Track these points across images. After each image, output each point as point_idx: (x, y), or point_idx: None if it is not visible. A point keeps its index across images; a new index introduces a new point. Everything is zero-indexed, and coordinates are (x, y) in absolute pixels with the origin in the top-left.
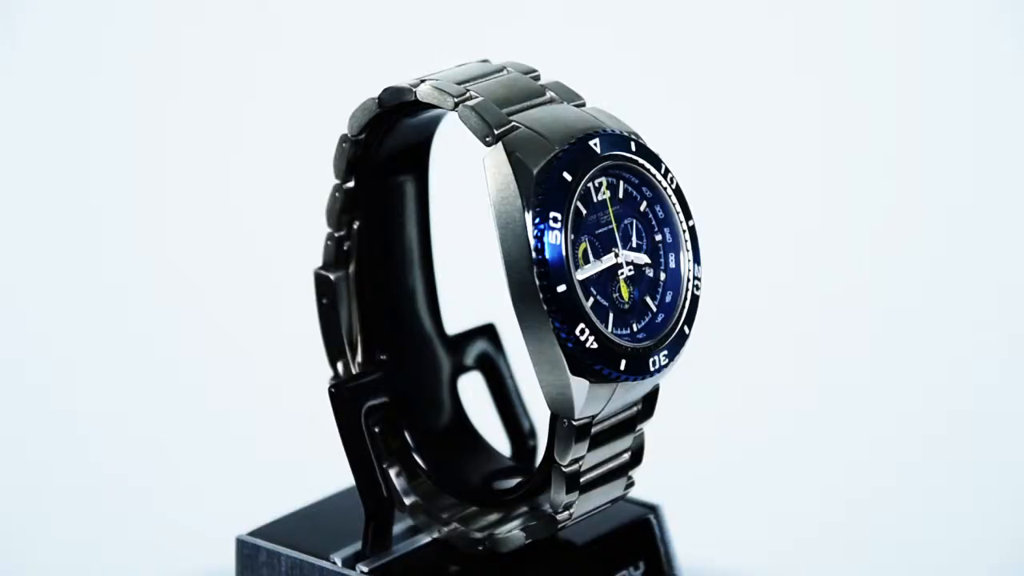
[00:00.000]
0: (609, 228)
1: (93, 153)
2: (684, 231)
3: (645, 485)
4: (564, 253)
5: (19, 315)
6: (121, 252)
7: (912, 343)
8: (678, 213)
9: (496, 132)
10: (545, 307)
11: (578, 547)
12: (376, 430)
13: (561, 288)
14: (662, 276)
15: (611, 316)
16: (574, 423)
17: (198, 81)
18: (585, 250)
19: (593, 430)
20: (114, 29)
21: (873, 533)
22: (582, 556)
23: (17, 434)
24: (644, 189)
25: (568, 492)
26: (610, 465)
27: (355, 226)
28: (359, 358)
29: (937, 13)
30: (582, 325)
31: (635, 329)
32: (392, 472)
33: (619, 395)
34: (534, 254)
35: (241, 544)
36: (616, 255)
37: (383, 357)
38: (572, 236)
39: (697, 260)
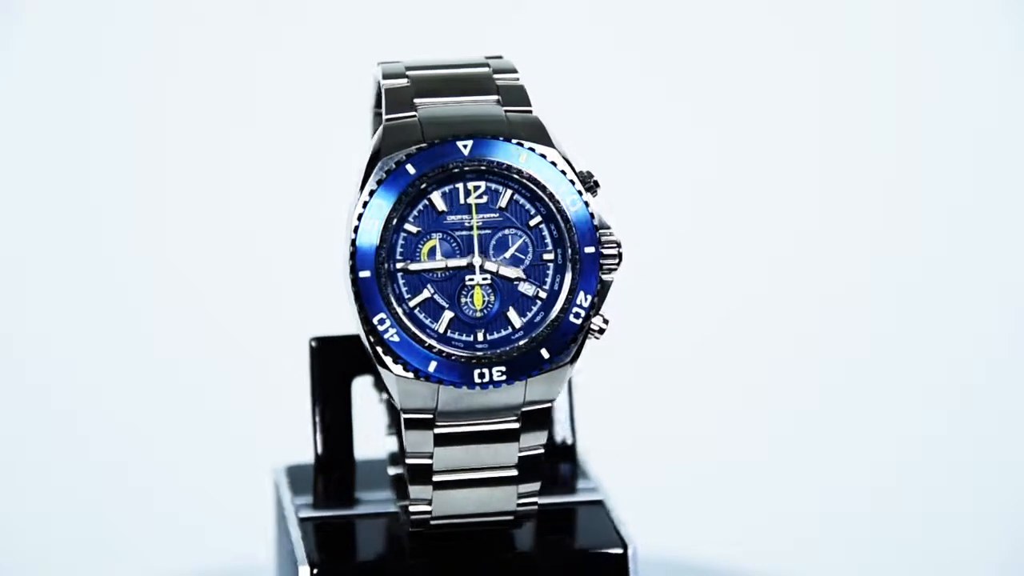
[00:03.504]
0: (472, 232)
1: (93, 152)
2: (572, 257)
3: (645, 486)
4: (378, 241)
5: (19, 315)
6: (121, 252)
7: (912, 343)
8: (569, 238)
9: (387, 118)
10: (352, 289)
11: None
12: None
13: (364, 274)
14: (541, 295)
15: (447, 317)
16: (404, 414)
17: (199, 80)
18: (433, 247)
19: (438, 429)
20: (112, 25)
21: (873, 533)
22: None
23: (17, 434)
24: (537, 205)
25: (413, 483)
26: (483, 474)
27: None
28: None
29: (937, 13)
30: (382, 315)
31: (479, 338)
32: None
33: (452, 398)
34: (351, 235)
35: (274, 472)
36: (468, 260)
37: None
38: (416, 229)
39: (588, 289)
